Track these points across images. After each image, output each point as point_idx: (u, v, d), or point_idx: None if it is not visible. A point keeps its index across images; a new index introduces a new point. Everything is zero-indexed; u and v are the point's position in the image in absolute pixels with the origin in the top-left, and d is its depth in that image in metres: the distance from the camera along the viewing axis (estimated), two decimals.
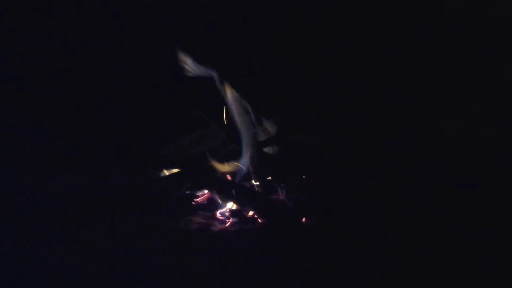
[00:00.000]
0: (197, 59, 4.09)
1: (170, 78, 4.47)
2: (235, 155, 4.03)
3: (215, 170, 3.98)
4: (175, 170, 4.10)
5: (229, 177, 4.02)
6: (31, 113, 4.50)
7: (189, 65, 4.10)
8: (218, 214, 3.85)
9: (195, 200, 3.98)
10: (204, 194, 4.01)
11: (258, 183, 4.03)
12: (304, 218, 3.71)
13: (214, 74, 4.03)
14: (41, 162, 4.26)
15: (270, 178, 3.99)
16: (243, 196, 3.84)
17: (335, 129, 4.42)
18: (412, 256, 3.10)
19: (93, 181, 4.04)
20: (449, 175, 3.87)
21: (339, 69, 4.53)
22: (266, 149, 4.16)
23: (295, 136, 4.23)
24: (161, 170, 4.14)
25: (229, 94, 4.03)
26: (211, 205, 3.92)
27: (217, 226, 3.73)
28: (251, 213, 3.82)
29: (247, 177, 4.03)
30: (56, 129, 4.53)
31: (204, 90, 4.25)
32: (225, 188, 3.92)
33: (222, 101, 4.09)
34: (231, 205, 3.89)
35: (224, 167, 3.98)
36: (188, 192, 3.98)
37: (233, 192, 3.86)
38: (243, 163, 3.99)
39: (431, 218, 3.45)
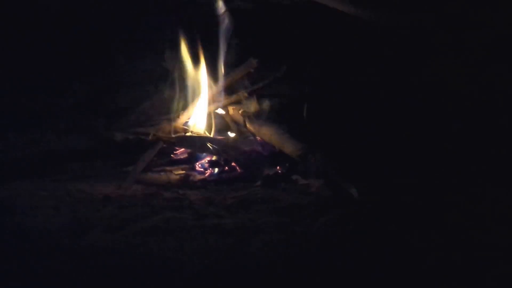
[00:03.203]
0: None
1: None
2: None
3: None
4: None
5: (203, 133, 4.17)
6: None
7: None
8: (197, 165, 4.01)
9: (174, 153, 4.11)
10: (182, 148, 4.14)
11: (234, 135, 4.18)
12: (278, 167, 3.89)
13: None
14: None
15: (245, 129, 4.15)
16: (220, 148, 3.97)
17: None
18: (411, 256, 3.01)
19: (77, 136, 4.18)
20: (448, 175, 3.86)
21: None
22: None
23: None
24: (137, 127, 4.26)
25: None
26: (191, 158, 4.06)
27: (197, 177, 3.89)
28: (229, 163, 3.98)
29: (223, 130, 4.19)
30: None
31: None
32: (200, 142, 4.04)
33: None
34: (209, 157, 4.05)
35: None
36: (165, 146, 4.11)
37: (209, 145, 3.99)
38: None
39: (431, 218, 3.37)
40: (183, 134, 4.10)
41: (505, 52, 4.19)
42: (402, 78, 4.47)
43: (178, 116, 4.20)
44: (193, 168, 3.98)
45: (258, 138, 4.11)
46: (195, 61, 4.21)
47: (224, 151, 3.95)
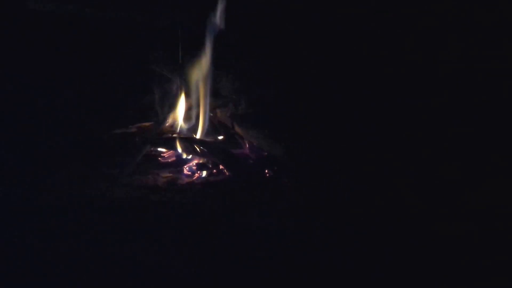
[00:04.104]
0: None
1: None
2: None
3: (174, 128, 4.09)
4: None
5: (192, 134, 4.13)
6: None
7: None
8: (185, 169, 3.97)
9: (162, 156, 4.09)
10: (170, 151, 4.11)
11: (222, 137, 4.16)
12: (267, 171, 3.86)
13: None
14: None
15: (233, 132, 4.13)
16: (208, 150, 3.94)
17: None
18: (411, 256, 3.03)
19: (64, 137, 4.13)
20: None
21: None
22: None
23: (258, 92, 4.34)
24: (127, 128, 4.22)
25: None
26: (179, 161, 4.03)
27: (184, 180, 3.85)
28: (217, 166, 3.94)
29: (211, 132, 4.16)
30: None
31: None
32: (187, 145, 4.01)
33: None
34: (197, 160, 4.01)
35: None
36: (153, 149, 4.08)
37: (197, 147, 3.96)
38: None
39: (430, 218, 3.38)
40: (170, 135, 4.07)
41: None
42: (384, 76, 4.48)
43: (165, 118, 4.17)
44: (181, 171, 3.95)
45: (246, 140, 4.08)
46: (184, 64, 4.19)
47: (212, 153, 3.91)
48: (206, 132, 4.16)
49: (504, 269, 2.82)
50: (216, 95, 4.31)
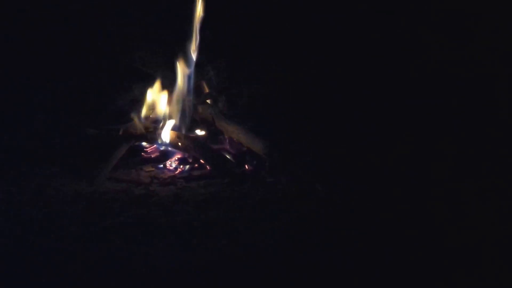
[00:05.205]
0: None
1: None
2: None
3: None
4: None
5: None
6: None
7: None
8: (167, 163, 4.08)
9: (145, 151, 4.19)
10: (153, 146, 4.21)
11: (203, 133, 4.25)
12: (246, 165, 4.00)
13: None
14: None
15: (214, 128, 4.25)
16: (190, 146, 4.05)
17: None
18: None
19: (49, 133, 4.22)
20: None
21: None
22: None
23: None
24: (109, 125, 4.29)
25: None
26: (161, 156, 4.13)
27: (167, 174, 3.95)
28: (198, 161, 4.05)
29: (193, 128, 4.25)
30: None
31: None
32: (170, 140, 4.12)
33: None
34: (179, 155, 4.12)
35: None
36: (136, 144, 4.18)
37: (179, 143, 4.05)
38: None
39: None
40: (153, 131, 4.15)
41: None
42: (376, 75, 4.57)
43: (149, 114, 4.25)
44: (163, 166, 4.05)
45: (227, 136, 4.19)
46: (167, 60, 4.25)
47: (194, 149, 4.02)
48: (188, 128, 4.27)
49: (504, 269, 2.82)
50: (197, 92, 4.42)
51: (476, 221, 3.24)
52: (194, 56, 4.27)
